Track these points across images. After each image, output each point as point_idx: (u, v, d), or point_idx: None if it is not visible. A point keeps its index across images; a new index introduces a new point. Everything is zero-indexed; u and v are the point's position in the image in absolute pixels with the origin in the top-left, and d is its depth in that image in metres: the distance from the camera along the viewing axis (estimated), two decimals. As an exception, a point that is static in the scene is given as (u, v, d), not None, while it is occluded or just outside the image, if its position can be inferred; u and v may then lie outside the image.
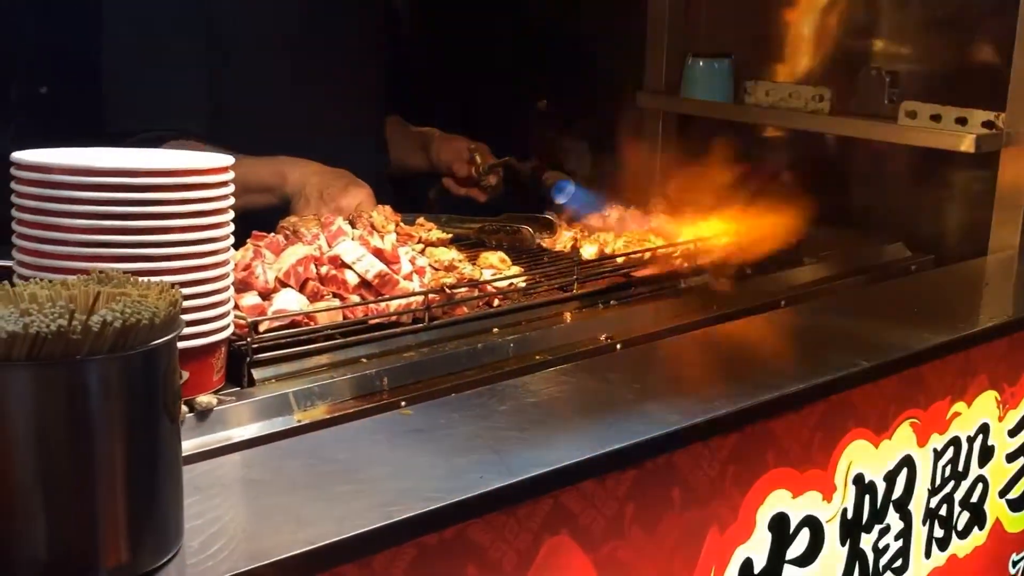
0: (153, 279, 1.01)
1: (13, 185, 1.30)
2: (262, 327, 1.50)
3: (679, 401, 1.38)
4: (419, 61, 2.61)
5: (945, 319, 1.83)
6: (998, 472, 1.86)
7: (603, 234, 2.09)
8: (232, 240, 1.39)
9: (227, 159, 1.38)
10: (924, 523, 1.72)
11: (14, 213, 1.31)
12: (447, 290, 1.67)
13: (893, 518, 1.65)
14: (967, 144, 2.22)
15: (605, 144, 2.48)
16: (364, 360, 1.55)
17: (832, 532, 1.54)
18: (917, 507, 1.69)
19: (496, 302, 1.76)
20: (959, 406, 1.73)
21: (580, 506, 1.21)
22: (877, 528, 1.62)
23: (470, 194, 2.43)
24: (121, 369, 0.89)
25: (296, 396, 1.44)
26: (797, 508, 1.48)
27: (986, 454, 1.82)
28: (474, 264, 1.82)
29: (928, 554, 1.74)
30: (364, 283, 1.63)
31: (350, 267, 1.63)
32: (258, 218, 1.77)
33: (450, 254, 1.81)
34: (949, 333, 1.72)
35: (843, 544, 1.57)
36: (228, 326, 1.39)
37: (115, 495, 0.90)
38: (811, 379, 1.48)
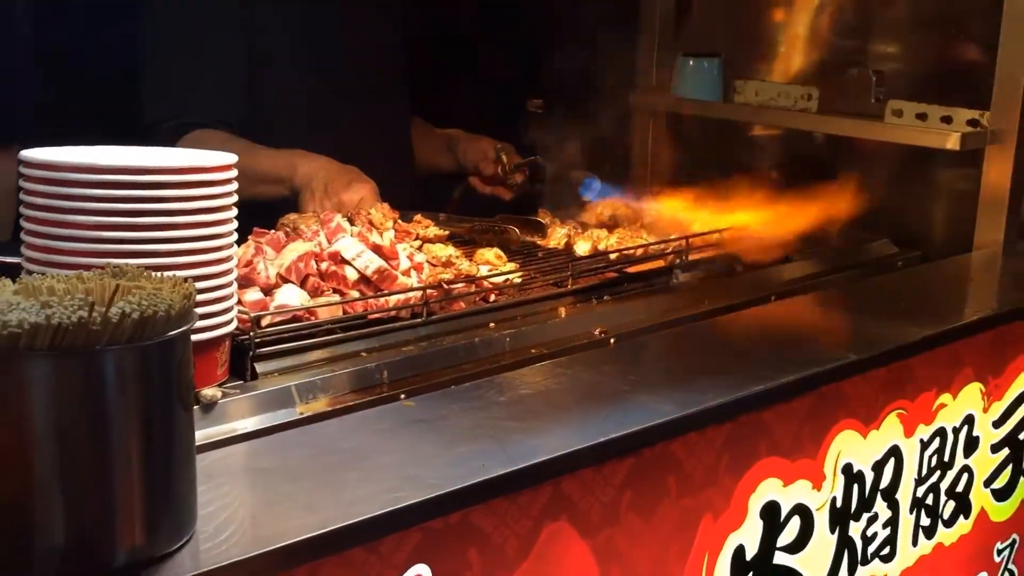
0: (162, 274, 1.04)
1: (21, 183, 1.33)
2: (264, 322, 1.53)
3: (673, 392, 1.42)
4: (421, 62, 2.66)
5: (931, 313, 1.87)
6: (983, 462, 1.90)
7: (596, 231, 2.12)
8: (236, 236, 1.42)
9: (231, 157, 1.41)
10: (911, 512, 1.76)
11: (22, 211, 1.34)
12: (445, 286, 1.71)
13: (881, 507, 1.69)
14: (952, 142, 2.26)
15: (598, 143, 2.52)
16: (364, 354, 1.59)
17: (822, 520, 1.58)
18: (904, 496, 1.73)
19: (492, 297, 1.79)
20: (945, 398, 1.77)
21: (579, 493, 1.25)
22: (865, 516, 1.66)
23: (496, 192, 2.51)
24: (138, 359, 0.92)
25: (298, 389, 1.47)
26: (788, 496, 1.52)
27: (971, 445, 1.86)
28: (471, 260, 1.86)
29: (915, 542, 1.78)
30: (363, 279, 1.66)
31: (350, 263, 1.66)
32: (272, 209, 1.82)
33: (447, 250, 1.84)
34: (935, 327, 1.76)
35: (832, 532, 1.61)
36: (232, 321, 1.42)
37: (132, 481, 0.93)
38: (801, 371, 1.52)
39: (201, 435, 1.33)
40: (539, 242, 2.11)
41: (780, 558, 1.53)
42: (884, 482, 1.69)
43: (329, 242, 1.69)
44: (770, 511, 1.50)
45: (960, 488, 1.86)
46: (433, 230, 1.92)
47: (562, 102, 2.74)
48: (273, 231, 1.75)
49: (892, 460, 1.69)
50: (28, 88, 2.05)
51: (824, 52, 2.74)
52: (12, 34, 1.99)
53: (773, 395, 1.46)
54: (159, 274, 1.03)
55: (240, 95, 2.22)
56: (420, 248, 1.85)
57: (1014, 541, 2.02)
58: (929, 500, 1.79)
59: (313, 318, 1.59)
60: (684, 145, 2.87)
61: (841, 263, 2.26)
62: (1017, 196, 2.27)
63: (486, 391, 1.41)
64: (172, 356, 0.95)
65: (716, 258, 2.09)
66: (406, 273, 1.71)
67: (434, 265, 1.80)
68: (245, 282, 1.58)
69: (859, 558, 1.66)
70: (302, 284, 1.63)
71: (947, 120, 2.31)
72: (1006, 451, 1.95)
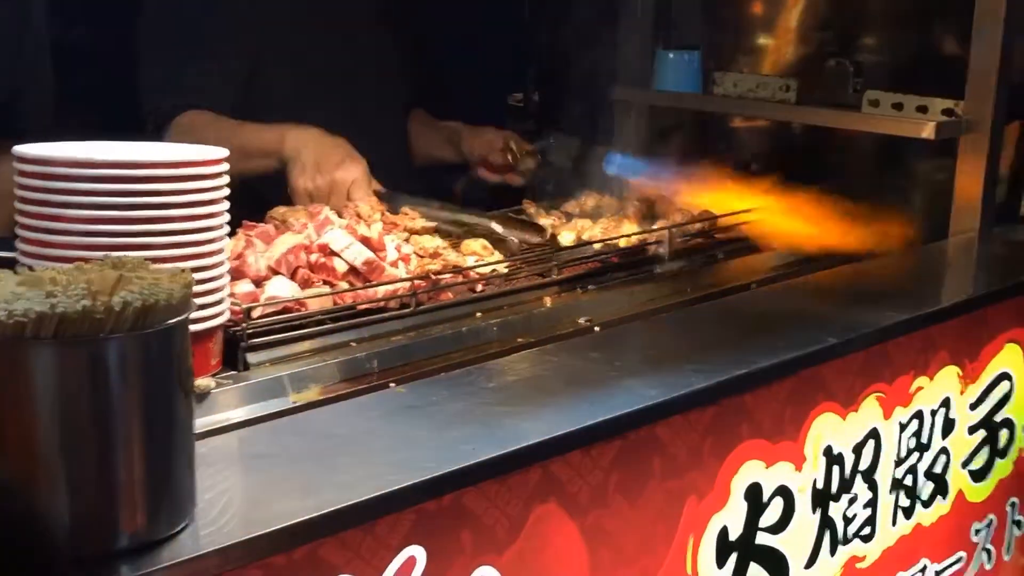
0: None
1: (16, 178, 1.35)
2: (256, 313, 1.55)
3: (658, 377, 1.45)
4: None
5: (909, 298, 1.91)
6: (960, 444, 1.94)
7: (580, 221, 2.16)
8: (228, 229, 1.44)
9: (222, 151, 1.43)
10: (890, 492, 1.80)
11: (17, 205, 1.36)
12: (432, 276, 1.73)
13: (861, 488, 1.73)
14: (928, 131, 2.30)
15: (583, 136, 2.55)
16: (354, 344, 1.61)
17: (803, 501, 1.62)
18: (883, 477, 1.77)
19: (479, 288, 1.82)
20: (922, 380, 1.82)
21: (567, 475, 1.28)
22: (846, 497, 1.70)
23: (506, 179, 2.54)
24: (140, 347, 0.95)
25: (290, 379, 1.50)
26: (770, 478, 1.56)
27: (948, 426, 1.90)
28: (458, 251, 1.89)
29: (894, 522, 1.83)
30: (352, 270, 1.69)
31: (338, 255, 1.69)
32: (263, 203, 1.84)
33: (435, 242, 1.87)
34: (912, 311, 1.80)
35: (814, 512, 1.64)
36: (224, 312, 1.45)
37: (134, 465, 0.96)
38: (782, 355, 1.56)
39: (196, 424, 1.34)
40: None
41: (763, 538, 1.56)
42: (864, 464, 1.73)
43: (318, 234, 1.72)
44: (753, 493, 1.53)
45: (938, 469, 1.90)
46: (420, 222, 1.95)
47: (544, 97, 2.78)
48: (263, 224, 1.77)
49: (871, 442, 1.73)
50: (29, 85, 2.06)
51: (802, 44, 2.78)
52: (11, 33, 2.01)
53: (754, 379, 1.50)
54: (156, 265, 1.06)
55: (230, 80, 2.25)
56: (408, 240, 1.88)
57: (991, 521, 2.07)
58: (908, 481, 1.83)
59: (303, 309, 1.61)
60: (665, 138, 2.91)
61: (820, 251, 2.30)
62: (991, 184, 2.32)
63: (475, 378, 1.44)
64: (172, 343, 0.98)
65: (701, 247, 2.13)
66: (394, 264, 1.73)
67: (421, 256, 1.83)
68: (236, 274, 1.61)
69: (840, 538, 1.70)
70: (292, 276, 1.66)
71: (923, 110, 2.36)
72: (982, 433, 1.99)
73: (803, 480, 1.61)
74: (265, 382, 1.48)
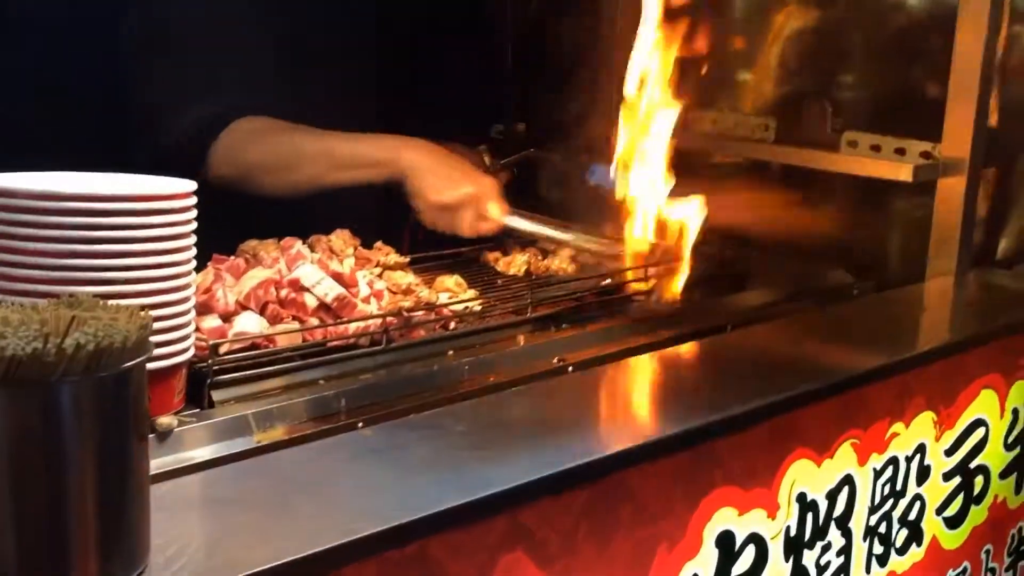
0: (119, 302, 1.04)
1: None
2: (223, 349, 1.52)
3: (630, 421, 1.44)
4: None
5: (885, 343, 1.90)
6: (935, 490, 1.93)
7: (556, 258, 2.14)
8: (195, 264, 1.42)
9: (191, 184, 1.41)
10: (864, 540, 1.78)
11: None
12: (404, 313, 1.71)
13: (835, 535, 1.71)
14: (905, 174, 2.30)
15: (570, 168, 2.55)
16: (322, 382, 1.58)
17: (776, 549, 1.59)
18: (857, 524, 1.75)
19: (452, 325, 1.80)
20: (898, 427, 1.80)
21: (535, 522, 1.26)
22: (819, 545, 1.68)
23: None
24: (94, 391, 0.92)
25: (255, 417, 1.46)
26: (743, 525, 1.54)
27: (923, 473, 1.89)
28: (430, 288, 1.87)
29: (868, 570, 1.80)
30: (323, 306, 1.66)
31: (309, 290, 1.66)
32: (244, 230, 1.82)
33: (407, 278, 1.85)
34: (888, 356, 1.79)
35: (787, 560, 1.62)
36: (189, 348, 1.42)
37: (86, 512, 0.93)
38: (756, 401, 1.54)
39: (156, 464, 1.32)
40: (499, 269, 2.13)
41: (735, 587, 1.54)
42: (838, 511, 1.71)
43: (289, 269, 1.70)
44: (725, 541, 1.51)
45: (912, 516, 1.88)
46: (393, 257, 1.93)
47: (525, 134, 2.77)
48: (233, 257, 1.75)
49: (846, 489, 1.71)
50: (26, 113, 2.03)
51: (781, 83, 2.78)
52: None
53: (727, 425, 1.48)
54: (114, 303, 1.03)
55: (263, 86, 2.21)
56: (381, 275, 1.86)
57: (965, 568, 2.05)
58: (882, 528, 1.81)
59: (272, 346, 1.58)
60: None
61: (796, 292, 2.29)
62: (968, 227, 2.32)
63: (444, 419, 1.42)
64: (128, 387, 0.95)
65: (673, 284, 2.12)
66: (366, 300, 1.71)
67: (394, 293, 1.81)
68: (204, 309, 1.58)
69: (813, 586, 1.68)
70: (261, 311, 1.63)
71: (901, 152, 2.36)
72: (957, 479, 1.97)
73: (776, 527, 1.59)
74: (230, 420, 1.44)
